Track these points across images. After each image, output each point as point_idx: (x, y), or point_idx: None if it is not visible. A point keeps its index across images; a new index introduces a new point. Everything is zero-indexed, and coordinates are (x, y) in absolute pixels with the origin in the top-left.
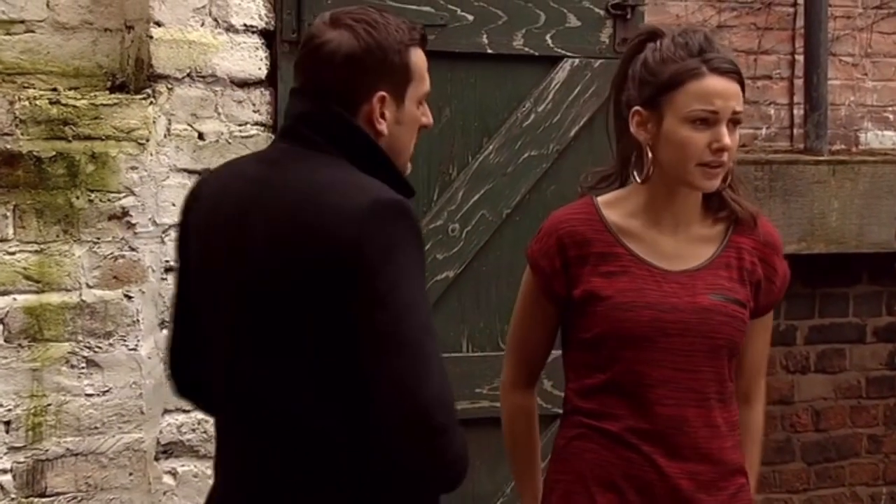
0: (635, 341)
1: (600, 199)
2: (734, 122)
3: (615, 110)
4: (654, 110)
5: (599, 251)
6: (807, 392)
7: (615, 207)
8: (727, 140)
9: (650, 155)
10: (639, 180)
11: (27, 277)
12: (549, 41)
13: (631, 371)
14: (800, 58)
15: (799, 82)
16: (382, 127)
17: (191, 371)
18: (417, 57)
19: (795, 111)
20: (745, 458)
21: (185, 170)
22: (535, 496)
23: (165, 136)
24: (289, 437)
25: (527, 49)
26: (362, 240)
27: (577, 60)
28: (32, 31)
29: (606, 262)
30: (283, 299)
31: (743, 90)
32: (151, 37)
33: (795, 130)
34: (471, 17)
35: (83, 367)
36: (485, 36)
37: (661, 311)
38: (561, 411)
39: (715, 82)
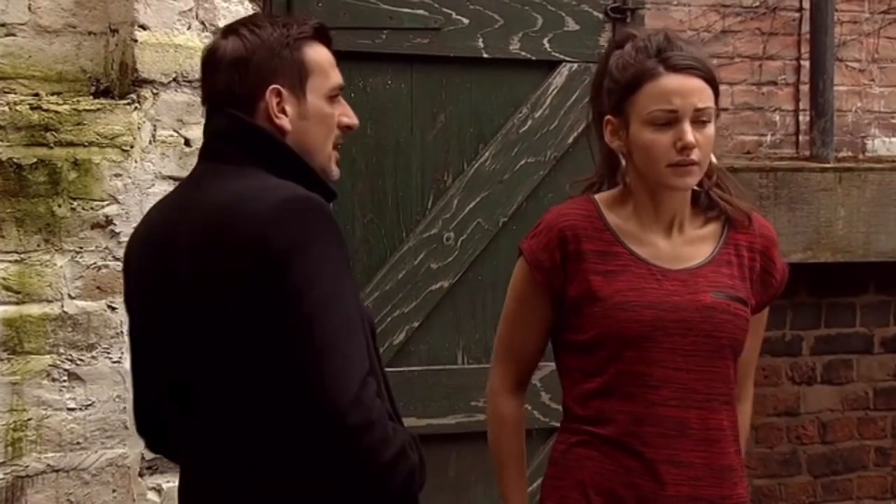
0: (636, 341)
1: (600, 197)
2: (701, 119)
3: (595, 120)
4: (622, 117)
5: (598, 249)
6: (813, 403)
7: (612, 207)
8: (689, 137)
9: (623, 163)
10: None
11: (7, 288)
12: (547, 45)
13: (632, 372)
14: (805, 63)
15: (805, 88)
16: (283, 122)
17: (160, 422)
18: (315, 52)
19: (801, 117)
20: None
21: (170, 177)
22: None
23: (150, 143)
24: (250, 450)
25: (524, 53)
26: (268, 238)
27: (575, 65)
28: (13, 35)
29: (605, 260)
30: (213, 314)
31: (712, 85)
32: (136, 40)
33: (801, 137)
34: (466, 21)
35: (65, 381)
36: (480, 40)
37: (662, 310)
38: (559, 424)
39: (671, 80)
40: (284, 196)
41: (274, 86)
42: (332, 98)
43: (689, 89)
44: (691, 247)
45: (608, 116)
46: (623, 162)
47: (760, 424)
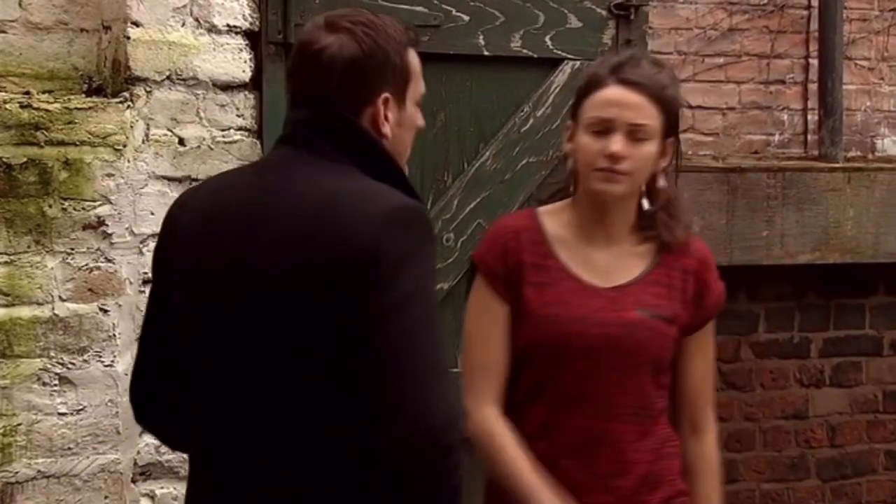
0: (560, 354)
1: (543, 210)
2: (637, 135)
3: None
4: (575, 122)
5: (533, 262)
6: (821, 406)
7: (555, 218)
8: (615, 147)
9: (569, 166)
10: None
11: None
12: (549, 43)
13: (554, 383)
14: (814, 62)
15: (813, 87)
16: (387, 129)
17: (157, 396)
18: (413, 57)
19: (809, 117)
20: (699, 491)
21: (164, 177)
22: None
23: (144, 142)
24: (296, 457)
25: (525, 51)
26: (379, 246)
27: (577, 63)
28: (4, 32)
29: (538, 272)
30: (293, 310)
31: (663, 109)
32: (129, 37)
33: (809, 137)
34: (467, 18)
35: (56, 385)
36: (481, 37)
37: (586, 325)
38: None
39: (614, 91)
40: (397, 203)
41: (385, 94)
42: (418, 103)
43: (628, 103)
44: (625, 262)
45: (568, 121)
46: (569, 165)
47: (768, 428)
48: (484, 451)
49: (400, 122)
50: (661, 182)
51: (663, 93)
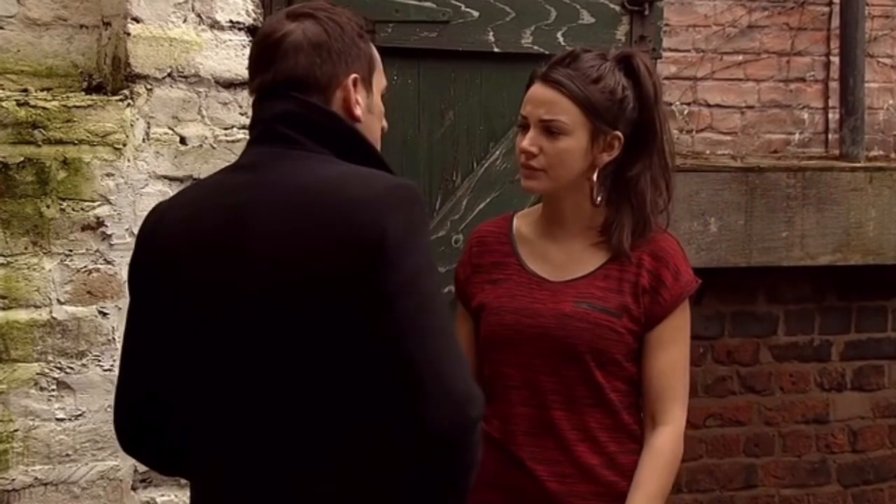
0: (500, 344)
1: (521, 212)
2: (550, 130)
3: None
4: None
5: (495, 261)
6: (843, 411)
7: (526, 218)
8: (522, 143)
9: None
10: None
11: None
12: (561, 39)
13: (501, 374)
14: (835, 59)
15: (834, 85)
16: (359, 112)
17: (147, 419)
18: (374, 48)
19: (830, 115)
20: (635, 480)
21: (165, 177)
22: None
23: (144, 141)
24: (318, 456)
25: (536, 48)
26: (383, 226)
27: None
28: (1, 28)
29: (498, 270)
30: (300, 302)
31: (583, 104)
32: (129, 34)
33: (830, 136)
34: (476, 14)
35: (53, 390)
36: (491, 34)
37: (523, 315)
38: None
39: (533, 89)
40: (393, 183)
41: (355, 74)
42: (383, 97)
43: (540, 99)
44: (582, 257)
45: None
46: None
47: (788, 432)
48: None
49: (370, 108)
50: (594, 177)
51: (585, 88)
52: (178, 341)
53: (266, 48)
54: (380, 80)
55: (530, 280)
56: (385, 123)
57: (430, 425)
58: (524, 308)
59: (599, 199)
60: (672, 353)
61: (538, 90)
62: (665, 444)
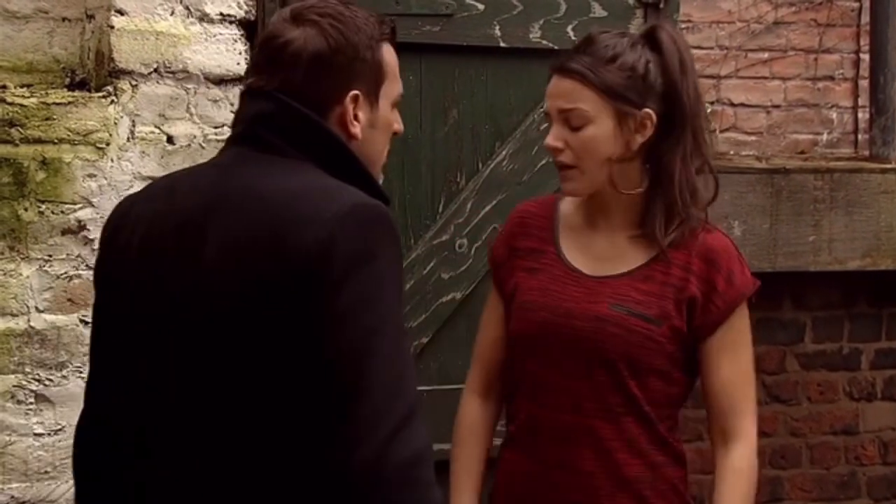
0: (532, 342)
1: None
2: (570, 122)
3: None
4: None
5: (533, 247)
6: (873, 421)
7: (572, 203)
8: (548, 140)
9: None
10: None
11: None
12: (571, 34)
13: (531, 372)
14: (865, 57)
15: (864, 83)
16: (356, 130)
17: (111, 443)
18: (389, 54)
19: (860, 115)
20: (721, 498)
21: (151, 178)
22: None
23: (129, 140)
24: (252, 479)
25: (545, 42)
26: (332, 245)
27: None
28: None
29: (534, 258)
30: (242, 318)
31: (594, 88)
32: (113, 27)
33: (860, 136)
34: (481, 7)
35: (31, 403)
36: (497, 28)
37: (555, 314)
38: None
39: (552, 83)
40: (355, 201)
41: (354, 91)
42: (395, 105)
43: (557, 91)
44: (625, 252)
45: None
46: None
47: (816, 444)
48: (453, 441)
49: (372, 122)
50: (634, 161)
51: (599, 69)
52: (125, 343)
53: (267, 53)
54: (391, 90)
55: (566, 274)
56: (400, 126)
57: (337, 465)
58: (556, 306)
59: (643, 185)
60: (735, 361)
61: (555, 83)
62: (743, 461)
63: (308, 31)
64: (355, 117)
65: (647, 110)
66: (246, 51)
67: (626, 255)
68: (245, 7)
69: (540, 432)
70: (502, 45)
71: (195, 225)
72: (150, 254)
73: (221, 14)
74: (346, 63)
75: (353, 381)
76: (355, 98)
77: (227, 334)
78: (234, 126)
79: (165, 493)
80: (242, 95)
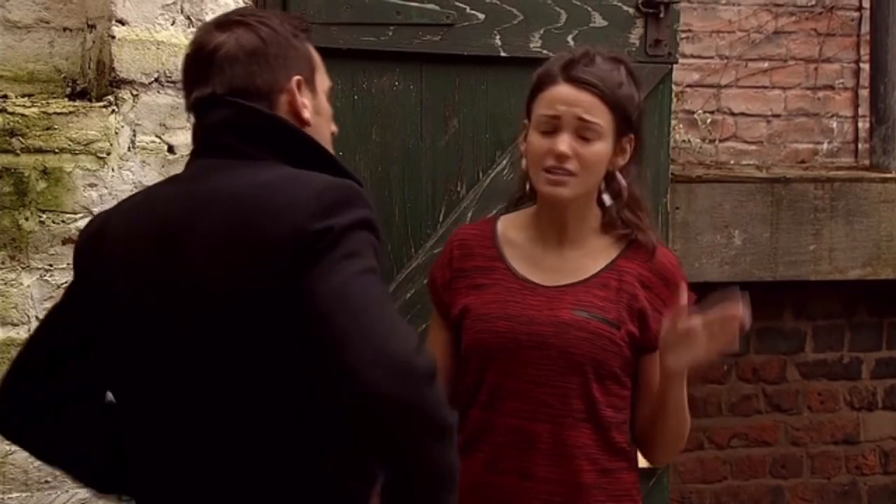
0: (491, 353)
1: (505, 216)
2: (585, 134)
3: None
4: (528, 121)
5: (480, 265)
6: (874, 431)
7: (512, 221)
8: (561, 146)
9: (522, 166)
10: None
11: None
12: (572, 43)
13: (488, 383)
14: (865, 66)
15: (864, 93)
16: (307, 114)
17: (34, 402)
18: (312, 47)
19: (860, 124)
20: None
21: None
22: None
23: (129, 150)
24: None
25: (545, 52)
26: (311, 225)
27: None
28: None
29: (483, 274)
30: (233, 311)
31: (614, 108)
32: (114, 37)
33: (860, 145)
34: (482, 16)
35: None
36: (498, 37)
37: (517, 323)
38: None
39: (563, 89)
40: (327, 183)
41: (297, 77)
42: (328, 99)
43: (576, 100)
44: (578, 262)
45: (524, 121)
46: (522, 166)
47: (817, 453)
48: None
49: (317, 110)
50: (621, 180)
51: (615, 91)
52: (116, 364)
53: (199, 62)
54: (323, 81)
55: (522, 286)
56: (334, 127)
57: (362, 385)
58: (518, 315)
59: (608, 199)
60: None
61: (568, 91)
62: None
63: (236, 31)
64: (303, 103)
65: (629, 136)
66: None
67: (578, 266)
68: None
69: (495, 440)
70: (503, 54)
71: (175, 232)
72: (134, 264)
73: None
74: (281, 52)
75: (345, 315)
76: (299, 83)
77: (222, 330)
78: (194, 140)
79: (172, 474)
80: (191, 110)
